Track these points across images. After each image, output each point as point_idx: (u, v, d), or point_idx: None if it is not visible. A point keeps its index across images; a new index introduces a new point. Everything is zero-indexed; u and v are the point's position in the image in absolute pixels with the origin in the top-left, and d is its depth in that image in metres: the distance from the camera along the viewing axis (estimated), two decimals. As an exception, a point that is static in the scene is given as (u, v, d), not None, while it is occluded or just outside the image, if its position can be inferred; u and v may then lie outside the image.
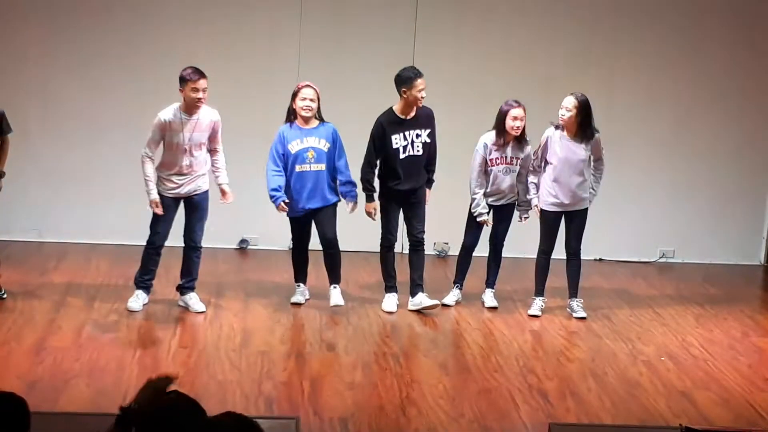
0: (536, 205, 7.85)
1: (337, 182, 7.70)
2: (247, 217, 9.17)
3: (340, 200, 7.74)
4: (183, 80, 7.21)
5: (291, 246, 7.99)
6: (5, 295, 7.58)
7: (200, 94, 7.21)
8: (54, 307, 7.52)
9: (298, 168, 7.57)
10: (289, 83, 8.77)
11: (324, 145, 7.58)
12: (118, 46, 9.02)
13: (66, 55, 9.02)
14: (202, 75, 7.21)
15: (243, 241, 9.40)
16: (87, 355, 6.62)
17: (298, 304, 7.84)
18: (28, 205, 9.10)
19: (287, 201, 7.57)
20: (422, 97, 7.64)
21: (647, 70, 9.48)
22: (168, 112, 7.27)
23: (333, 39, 9.24)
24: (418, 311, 7.83)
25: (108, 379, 6.27)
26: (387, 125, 7.69)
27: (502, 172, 7.83)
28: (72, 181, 9.19)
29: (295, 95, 7.57)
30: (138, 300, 7.55)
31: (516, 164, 7.84)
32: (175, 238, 7.64)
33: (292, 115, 7.60)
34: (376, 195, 7.81)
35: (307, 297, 7.94)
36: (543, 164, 7.79)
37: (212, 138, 7.48)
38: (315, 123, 7.59)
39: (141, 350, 6.79)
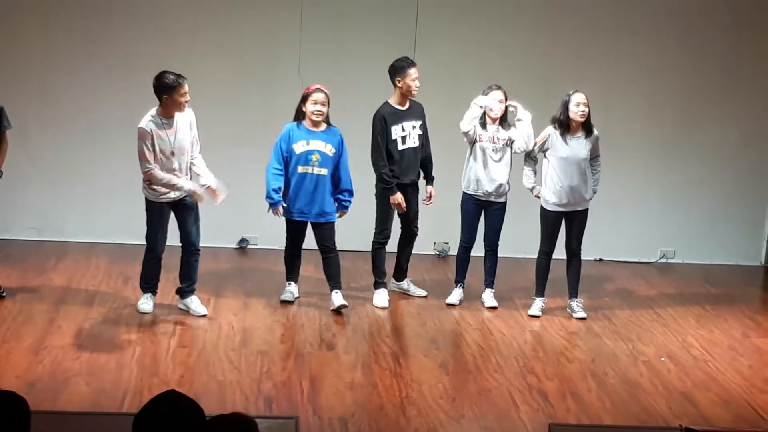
0: (537, 195, 7.85)
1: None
2: (247, 216, 9.15)
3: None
4: (169, 87, 7.07)
5: (285, 246, 7.91)
6: (4, 294, 7.56)
7: (187, 97, 7.17)
8: (53, 306, 7.51)
9: (300, 169, 7.53)
10: (289, 84, 8.79)
11: (330, 150, 7.54)
12: (118, 46, 9.00)
13: (66, 54, 9.01)
14: (184, 78, 7.15)
15: (243, 240, 9.39)
16: (86, 354, 6.61)
17: (288, 302, 7.82)
18: (28, 204, 9.08)
19: (284, 206, 7.57)
20: (416, 87, 7.73)
21: (647, 70, 9.47)
22: (148, 122, 7.17)
23: (333, 39, 9.22)
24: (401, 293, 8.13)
25: (107, 378, 6.26)
26: (387, 117, 7.76)
27: (490, 151, 7.81)
28: (71, 179, 9.18)
29: (305, 98, 7.50)
30: (148, 302, 7.52)
31: (501, 144, 7.79)
32: (172, 238, 7.62)
33: (300, 116, 7.55)
34: (395, 187, 7.78)
35: (297, 295, 7.91)
36: (542, 155, 7.79)
37: (194, 138, 7.39)
38: (323, 126, 7.55)
39: (140, 349, 6.78)
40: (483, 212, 7.98)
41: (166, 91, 7.12)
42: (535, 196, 7.86)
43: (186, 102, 7.19)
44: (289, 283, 7.91)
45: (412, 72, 7.71)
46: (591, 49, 9.43)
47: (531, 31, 9.37)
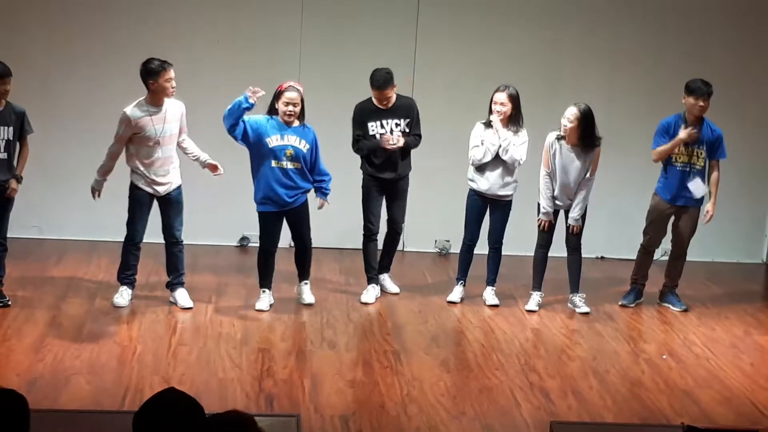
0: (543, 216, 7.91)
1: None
2: (248, 214, 9.11)
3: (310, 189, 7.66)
4: (154, 72, 7.19)
5: (260, 246, 7.73)
6: (9, 302, 7.41)
7: (173, 83, 7.24)
8: (54, 304, 7.51)
9: (274, 163, 7.44)
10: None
11: (304, 146, 7.46)
12: (118, 45, 9.00)
13: (67, 53, 9.01)
14: (170, 64, 7.24)
15: (244, 238, 9.39)
16: (87, 352, 6.61)
17: (262, 311, 7.61)
18: (29, 202, 9.05)
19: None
20: (380, 101, 7.72)
21: (648, 69, 9.46)
22: (134, 109, 7.27)
23: (334, 38, 9.22)
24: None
25: (108, 376, 6.26)
26: (364, 110, 7.79)
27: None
28: (73, 178, 9.16)
29: (278, 96, 7.41)
30: (123, 296, 7.55)
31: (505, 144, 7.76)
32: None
33: (273, 111, 7.45)
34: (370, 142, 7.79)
35: (272, 302, 7.74)
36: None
37: (181, 128, 7.50)
38: (296, 123, 7.49)
39: (141, 347, 6.77)
40: (488, 210, 7.97)
41: (152, 77, 7.21)
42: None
43: (173, 88, 7.23)
44: (264, 291, 7.70)
45: (375, 94, 7.72)
46: (593, 47, 9.41)
47: (532, 31, 9.36)
